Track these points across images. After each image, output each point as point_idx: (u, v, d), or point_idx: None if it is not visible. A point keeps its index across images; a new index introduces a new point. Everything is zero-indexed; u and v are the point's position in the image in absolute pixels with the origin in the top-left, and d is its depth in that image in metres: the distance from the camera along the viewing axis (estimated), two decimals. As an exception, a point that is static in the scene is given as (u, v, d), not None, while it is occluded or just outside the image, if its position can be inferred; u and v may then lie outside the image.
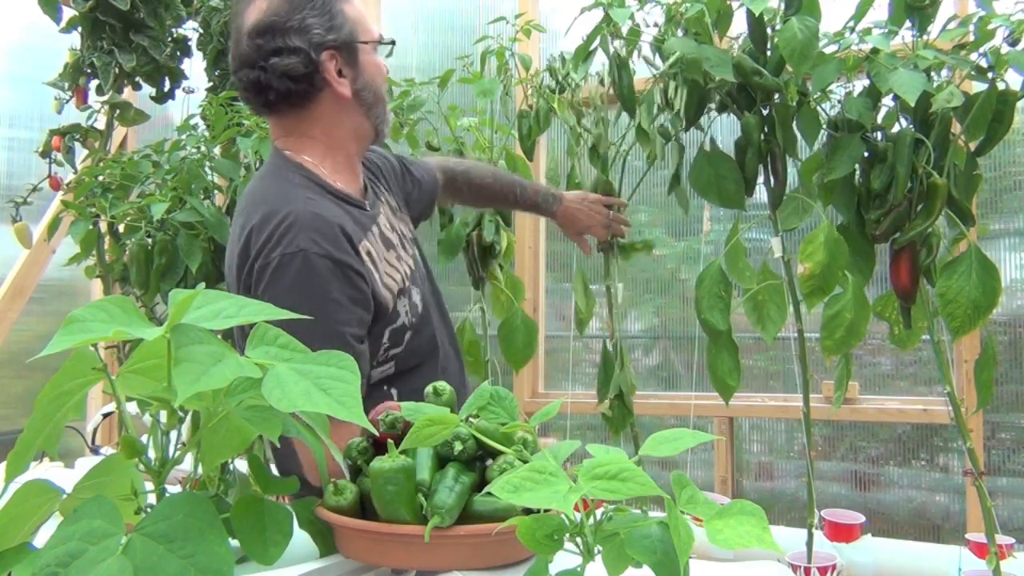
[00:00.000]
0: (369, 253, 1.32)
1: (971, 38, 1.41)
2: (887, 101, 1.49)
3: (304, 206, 1.25)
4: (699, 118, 1.62)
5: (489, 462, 0.84)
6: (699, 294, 1.59)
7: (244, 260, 1.27)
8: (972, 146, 1.47)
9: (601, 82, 1.88)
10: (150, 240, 2.14)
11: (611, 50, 1.72)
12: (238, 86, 1.37)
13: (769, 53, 1.53)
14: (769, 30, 1.53)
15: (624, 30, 1.66)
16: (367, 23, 1.40)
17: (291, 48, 1.29)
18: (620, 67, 1.68)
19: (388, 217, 1.45)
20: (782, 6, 1.52)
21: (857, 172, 1.52)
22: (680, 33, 1.59)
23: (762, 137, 1.55)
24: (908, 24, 1.46)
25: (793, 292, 1.59)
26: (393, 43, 1.44)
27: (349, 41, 1.34)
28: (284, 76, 1.30)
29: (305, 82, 1.31)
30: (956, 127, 1.45)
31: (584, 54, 1.75)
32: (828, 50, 1.48)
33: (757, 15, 1.49)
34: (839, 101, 1.52)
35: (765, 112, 1.55)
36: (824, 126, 1.54)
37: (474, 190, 1.79)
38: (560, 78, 1.93)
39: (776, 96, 1.53)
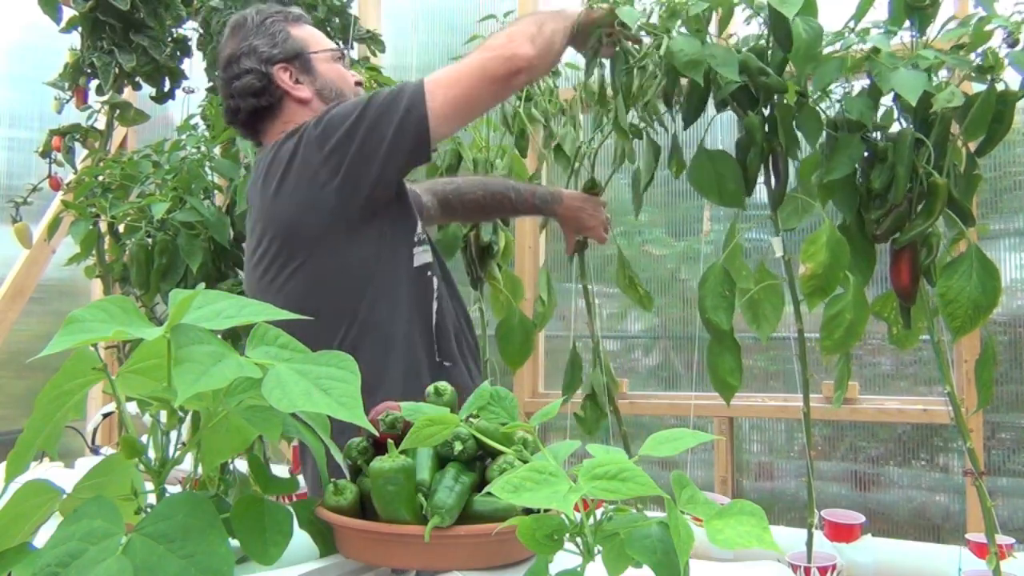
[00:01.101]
0: None
1: (969, 39, 1.41)
2: (885, 101, 1.49)
3: None
4: (698, 116, 1.61)
5: (489, 462, 0.84)
6: (702, 293, 1.57)
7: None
8: (972, 146, 1.47)
9: (574, 87, 1.90)
10: (150, 240, 2.14)
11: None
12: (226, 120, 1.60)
13: (770, 53, 1.53)
14: (765, 29, 1.53)
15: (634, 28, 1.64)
16: (320, 40, 1.58)
17: (245, 70, 1.49)
18: (624, 57, 1.61)
19: None
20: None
21: (857, 172, 1.52)
22: (680, 29, 1.57)
23: (765, 137, 1.54)
24: (907, 24, 1.46)
25: (793, 292, 1.58)
26: (342, 50, 1.60)
27: (297, 52, 1.52)
28: (246, 94, 1.49)
29: (265, 95, 1.49)
30: (955, 127, 1.45)
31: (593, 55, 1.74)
32: (828, 50, 1.48)
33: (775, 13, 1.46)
34: (838, 101, 1.52)
35: (767, 112, 1.55)
36: (824, 126, 1.53)
37: (468, 206, 1.81)
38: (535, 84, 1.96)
39: (777, 96, 1.53)
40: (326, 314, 1.38)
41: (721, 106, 1.59)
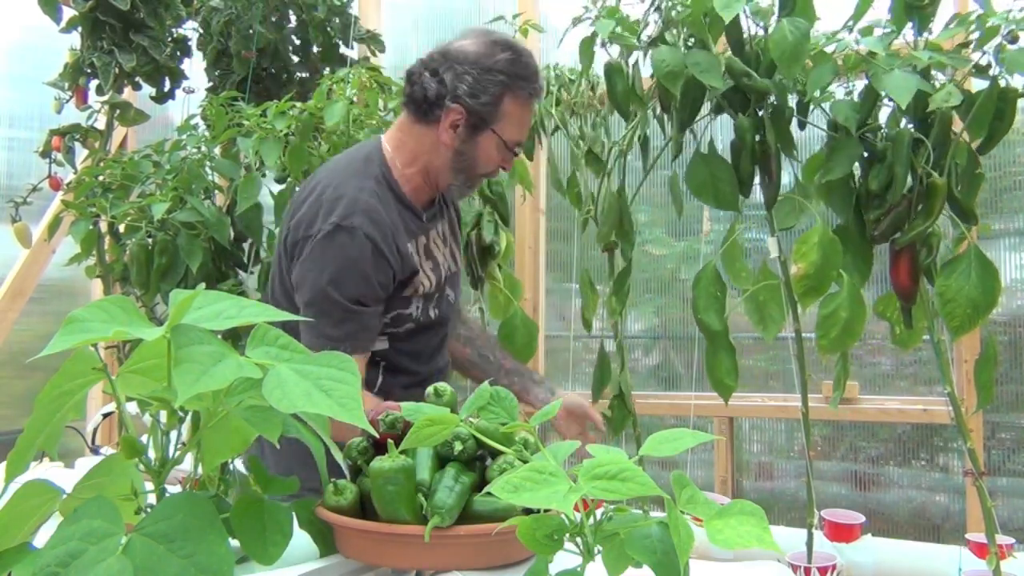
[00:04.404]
0: (410, 254, 1.50)
1: (974, 36, 1.41)
2: (888, 101, 1.49)
3: (368, 196, 1.46)
4: (692, 121, 1.62)
5: (489, 462, 0.84)
6: (695, 294, 1.60)
7: (300, 224, 1.48)
8: (974, 144, 1.47)
9: (592, 88, 1.88)
10: (150, 240, 2.14)
11: (606, 57, 1.72)
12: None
13: (761, 55, 1.53)
14: (762, 31, 1.53)
15: (612, 34, 1.65)
16: (517, 126, 1.53)
17: (438, 80, 1.48)
18: (613, 73, 1.68)
19: (437, 239, 1.60)
20: (776, 7, 1.51)
21: (857, 172, 1.52)
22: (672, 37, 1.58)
23: (756, 138, 1.55)
24: (910, 24, 1.46)
25: (790, 292, 1.58)
26: (516, 154, 1.57)
27: (479, 115, 1.48)
28: (419, 86, 1.50)
29: (425, 104, 1.49)
30: (957, 125, 1.45)
31: (588, 61, 1.74)
32: (827, 50, 1.48)
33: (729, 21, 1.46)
34: (825, 104, 1.52)
35: (760, 114, 1.55)
36: (824, 127, 1.54)
37: (457, 356, 1.78)
38: (556, 87, 1.94)
39: (769, 98, 1.53)
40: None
41: (718, 110, 1.60)
